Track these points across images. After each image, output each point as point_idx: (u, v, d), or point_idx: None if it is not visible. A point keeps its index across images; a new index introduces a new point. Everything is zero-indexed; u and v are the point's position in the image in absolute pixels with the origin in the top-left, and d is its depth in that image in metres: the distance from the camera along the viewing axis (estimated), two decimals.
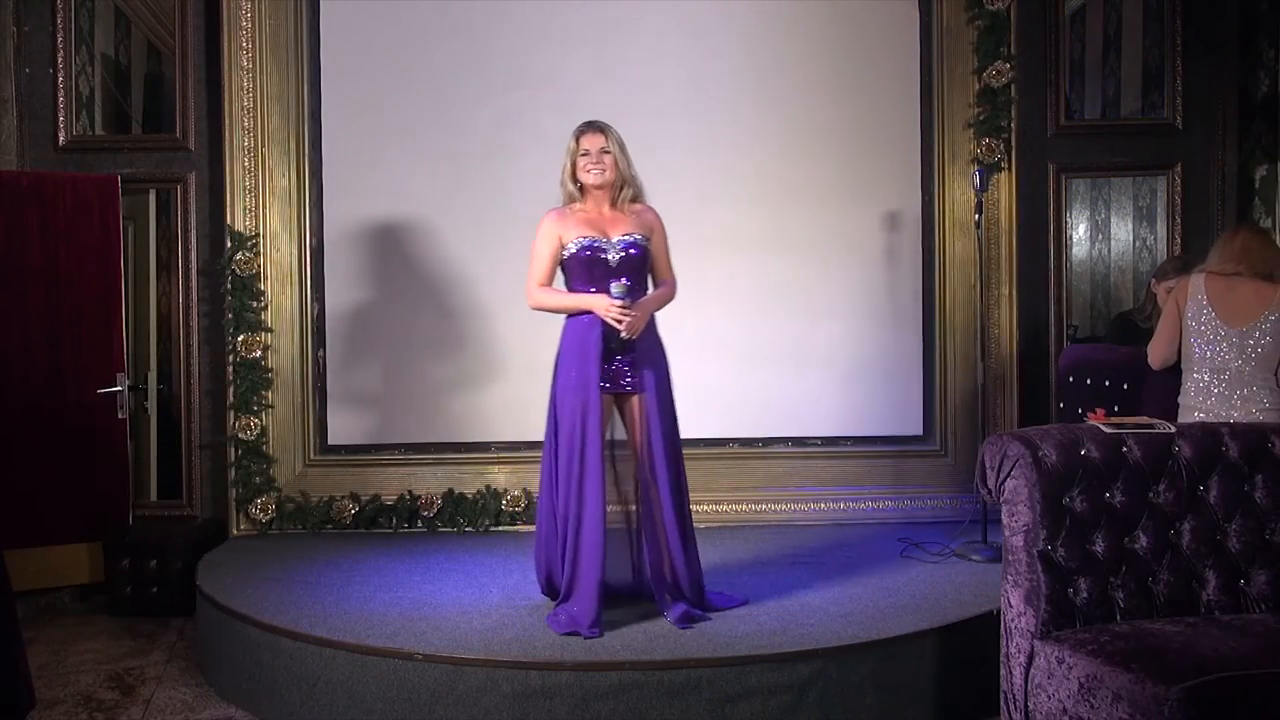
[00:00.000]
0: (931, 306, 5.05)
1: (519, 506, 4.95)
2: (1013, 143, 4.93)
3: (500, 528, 4.96)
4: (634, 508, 3.70)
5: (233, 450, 4.93)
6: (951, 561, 4.32)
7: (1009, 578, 3.15)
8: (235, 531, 4.94)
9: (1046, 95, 5.14)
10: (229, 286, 4.91)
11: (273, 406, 4.97)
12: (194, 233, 5.09)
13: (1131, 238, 5.73)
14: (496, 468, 5.03)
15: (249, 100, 4.92)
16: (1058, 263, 5.20)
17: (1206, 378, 3.75)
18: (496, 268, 4.98)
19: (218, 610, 3.90)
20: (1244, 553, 3.18)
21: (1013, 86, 4.90)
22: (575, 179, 3.54)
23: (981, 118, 4.94)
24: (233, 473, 4.93)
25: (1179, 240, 5.20)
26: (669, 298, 3.64)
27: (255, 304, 4.93)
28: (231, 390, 4.92)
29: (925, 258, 5.06)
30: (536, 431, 5.00)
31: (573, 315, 3.56)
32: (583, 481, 3.50)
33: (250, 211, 4.93)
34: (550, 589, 3.74)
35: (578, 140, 3.53)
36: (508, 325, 5.03)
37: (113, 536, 4.76)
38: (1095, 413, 3.59)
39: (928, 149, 5.03)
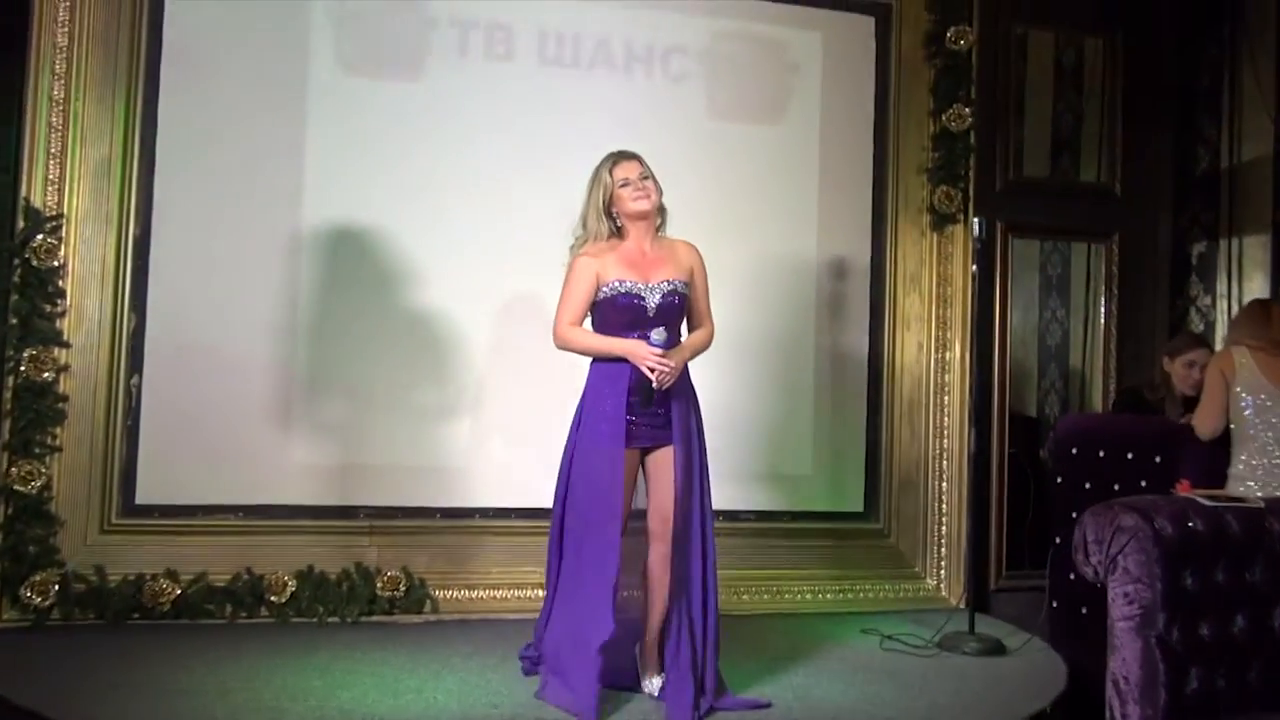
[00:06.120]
0: (880, 368, 4.52)
1: (397, 590, 3.89)
2: (970, 193, 4.53)
3: (374, 618, 3.86)
4: (639, 592, 3.16)
5: (2, 507, 3.58)
6: (942, 655, 3.70)
7: (1117, 667, 2.78)
8: None
9: (997, 146, 4.79)
10: (17, 281, 3.61)
11: (61, 449, 3.68)
12: None
13: (1039, 308, 5.45)
14: (368, 539, 3.96)
15: (63, 36, 3.72)
16: (1002, 327, 4.81)
17: (1265, 446, 3.58)
18: (368, 276, 4.09)
19: None
20: None
21: (972, 133, 4.52)
22: (611, 213, 3.15)
23: (939, 163, 4.52)
24: None
25: (1115, 312, 4.97)
26: (704, 344, 3.28)
27: (50, 308, 3.66)
28: (8, 425, 3.59)
29: (874, 311, 4.54)
30: (418, 497, 4.09)
31: (600, 360, 3.14)
32: (602, 550, 3.00)
33: (54, 184, 3.69)
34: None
35: (612, 171, 3.16)
36: (384, 355, 4.07)
37: None
38: (1182, 483, 3.18)
39: (879, 193, 4.55)
